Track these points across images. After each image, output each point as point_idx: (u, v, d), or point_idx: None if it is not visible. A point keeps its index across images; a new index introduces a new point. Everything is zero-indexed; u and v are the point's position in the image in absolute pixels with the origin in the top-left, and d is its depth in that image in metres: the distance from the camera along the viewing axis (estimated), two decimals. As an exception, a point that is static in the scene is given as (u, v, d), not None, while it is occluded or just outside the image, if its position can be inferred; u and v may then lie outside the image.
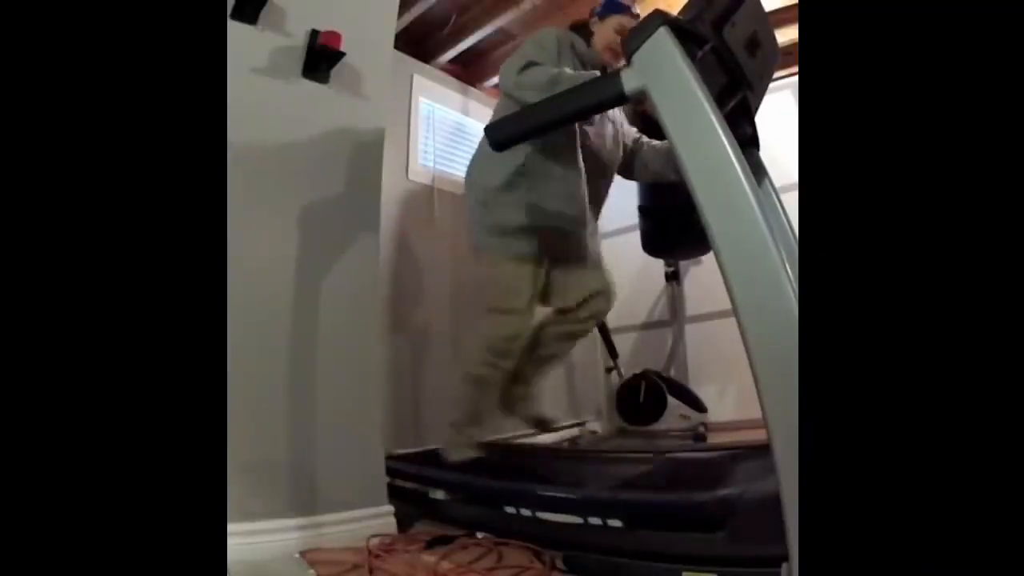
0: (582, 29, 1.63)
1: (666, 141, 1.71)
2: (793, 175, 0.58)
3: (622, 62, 1.55)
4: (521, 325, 1.56)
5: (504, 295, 1.56)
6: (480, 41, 2.74)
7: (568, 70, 1.45)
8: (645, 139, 1.74)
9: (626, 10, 1.61)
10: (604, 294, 1.69)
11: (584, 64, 1.59)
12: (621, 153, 1.72)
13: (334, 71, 1.52)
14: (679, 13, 0.82)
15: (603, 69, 1.62)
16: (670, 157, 1.64)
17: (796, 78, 2.32)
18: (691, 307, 3.00)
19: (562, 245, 1.61)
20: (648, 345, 3.13)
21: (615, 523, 1.17)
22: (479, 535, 1.36)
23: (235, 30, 1.36)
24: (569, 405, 3.04)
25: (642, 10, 1.77)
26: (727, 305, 0.68)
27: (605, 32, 1.59)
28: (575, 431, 2.91)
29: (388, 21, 1.72)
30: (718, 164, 0.69)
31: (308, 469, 1.36)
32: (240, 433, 1.12)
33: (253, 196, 1.34)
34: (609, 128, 1.68)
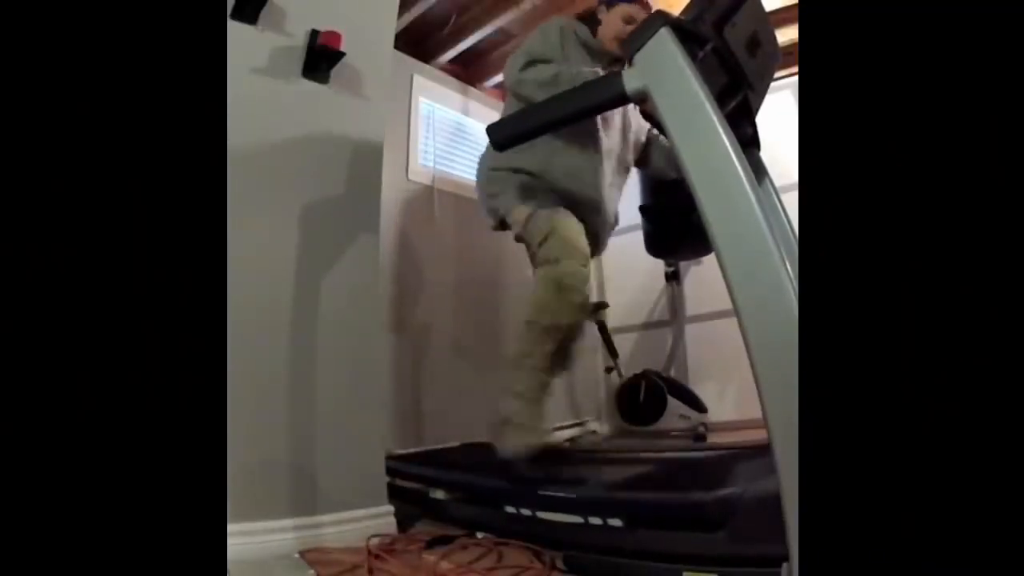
0: (589, 19, 1.62)
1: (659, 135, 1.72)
2: (793, 175, 0.58)
3: None
4: (585, 268, 1.44)
5: (555, 241, 1.45)
6: (480, 41, 2.74)
7: (571, 68, 1.45)
8: (655, 133, 1.74)
9: None
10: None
11: (591, 54, 1.58)
12: (633, 150, 1.71)
13: (334, 71, 1.52)
14: (680, 13, 0.82)
15: (612, 59, 1.60)
16: (671, 155, 1.63)
17: (796, 78, 2.31)
18: (691, 307, 3.00)
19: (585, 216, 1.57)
20: (648, 345, 3.13)
21: (615, 523, 1.17)
22: (479, 535, 1.36)
23: (235, 30, 1.36)
24: (569, 405, 3.04)
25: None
26: (727, 305, 0.68)
27: (613, 21, 1.56)
28: (575, 431, 2.91)
29: (388, 21, 1.72)
30: (719, 164, 0.69)
31: (308, 469, 1.36)
32: (240, 433, 1.12)
33: (253, 196, 1.34)
34: (618, 122, 1.66)
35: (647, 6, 1.60)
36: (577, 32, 1.57)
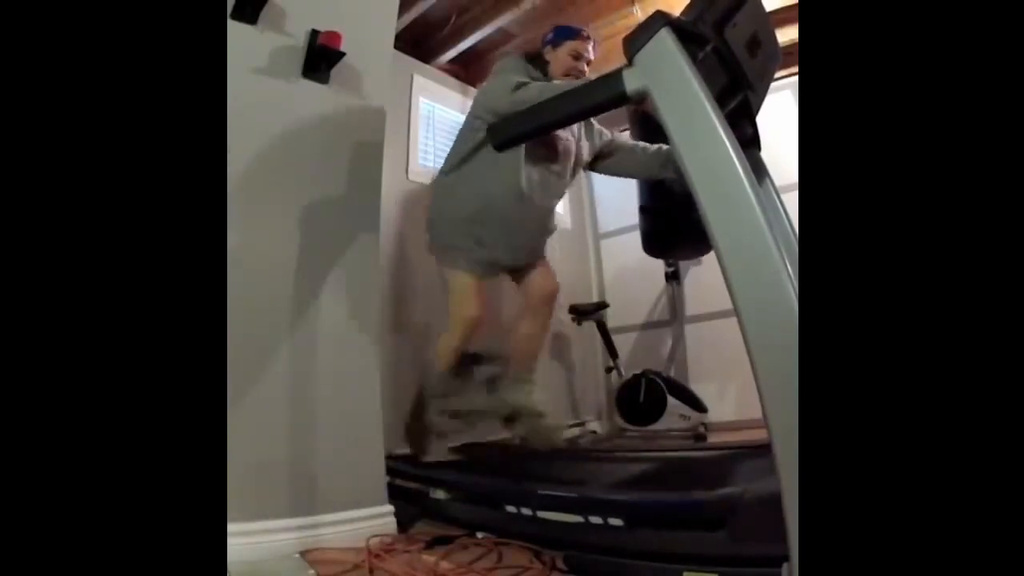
0: (536, 59, 1.72)
1: (646, 143, 1.75)
2: (793, 175, 0.58)
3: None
4: (464, 332, 1.73)
5: (454, 302, 1.72)
6: (480, 41, 2.74)
7: (558, 82, 1.49)
8: (623, 141, 1.76)
9: (577, 34, 1.70)
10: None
11: None
12: (574, 160, 1.75)
13: (334, 71, 1.52)
14: (680, 13, 0.82)
15: None
16: (644, 161, 1.72)
17: (796, 78, 2.31)
18: (691, 307, 3.00)
19: (510, 257, 1.73)
20: (648, 345, 3.13)
21: (616, 522, 1.17)
22: (479, 535, 1.36)
23: (235, 30, 1.36)
24: (569, 405, 3.04)
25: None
26: (727, 305, 0.68)
27: (561, 58, 1.68)
28: (575, 431, 2.91)
29: (388, 21, 1.72)
30: (719, 164, 0.69)
31: (308, 469, 1.36)
32: (240, 433, 1.11)
33: (253, 196, 1.34)
34: (562, 136, 1.71)
35: (589, 38, 1.72)
36: (527, 70, 1.66)
